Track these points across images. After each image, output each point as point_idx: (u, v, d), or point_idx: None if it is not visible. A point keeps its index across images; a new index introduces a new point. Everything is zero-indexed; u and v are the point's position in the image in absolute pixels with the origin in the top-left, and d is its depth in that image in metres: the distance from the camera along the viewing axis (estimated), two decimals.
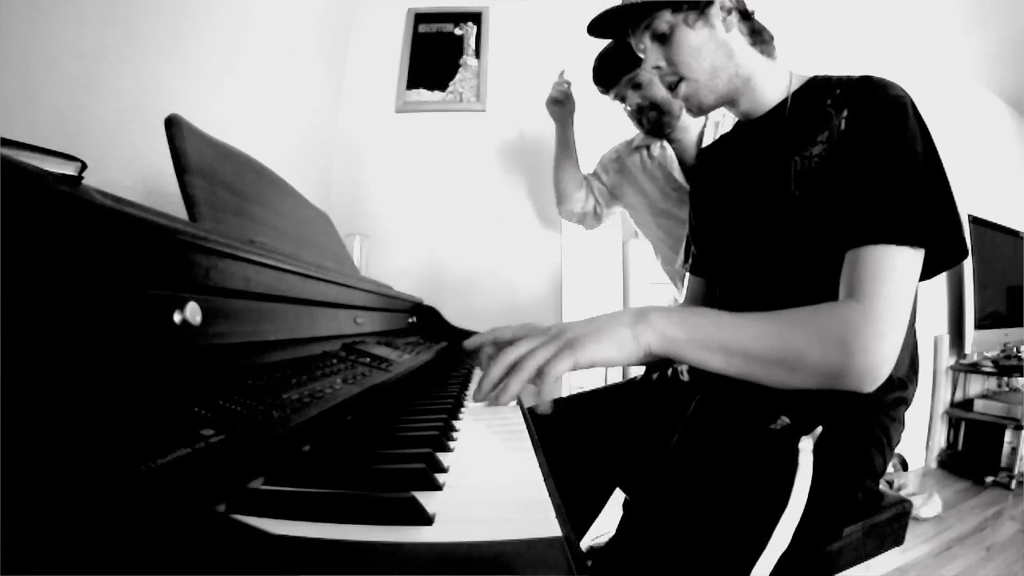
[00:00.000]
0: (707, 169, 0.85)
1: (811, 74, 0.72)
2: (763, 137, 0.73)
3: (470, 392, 0.72)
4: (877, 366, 0.53)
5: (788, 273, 0.67)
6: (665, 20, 0.70)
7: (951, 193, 0.58)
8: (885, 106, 0.61)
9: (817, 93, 0.68)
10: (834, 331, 0.53)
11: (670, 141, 1.31)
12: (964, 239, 0.58)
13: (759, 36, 0.73)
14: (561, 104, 1.41)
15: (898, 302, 0.53)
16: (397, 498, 0.28)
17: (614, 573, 0.54)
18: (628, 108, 1.26)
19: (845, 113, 0.63)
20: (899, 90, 0.62)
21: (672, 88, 0.73)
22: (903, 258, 0.55)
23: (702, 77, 0.71)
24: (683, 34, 0.70)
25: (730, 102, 0.74)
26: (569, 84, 1.40)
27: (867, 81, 0.64)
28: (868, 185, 0.58)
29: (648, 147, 1.37)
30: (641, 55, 0.75)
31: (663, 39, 0.71)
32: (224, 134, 0.72)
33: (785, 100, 0.71)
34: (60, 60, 0.74)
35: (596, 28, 0.76)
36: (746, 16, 0.73)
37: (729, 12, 0.70)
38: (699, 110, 0.75)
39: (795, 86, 0.71)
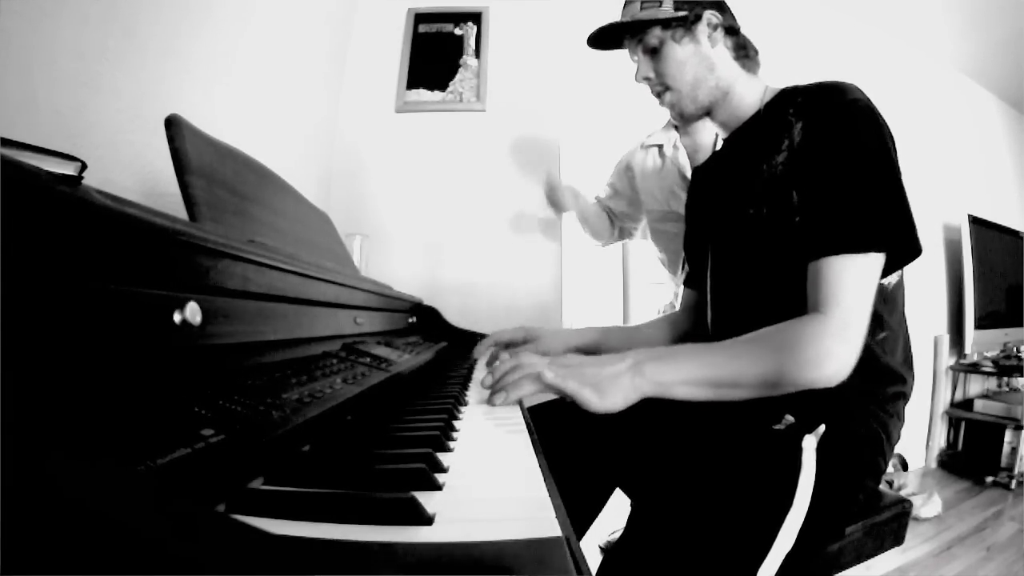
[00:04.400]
0: (698, 186, 0.91)
1: (785, 85, 0.75)
2: (740, 148, 0.78)
3: (470, 392, 0.72)
4: (845, 365, 0.58)
5: (765, 280, 0.69)
6: (655, 35, 0.77)
7: (903, 194, 0.60)
8: (837, 113, 0.64)
9: (783, 103, 0.71)
10: (803, 346, 0.57)
11: (682, 133, 1.31)
12: (917, 239, 0.60)
13: (743, 51, 0.78)
14: (557, 205, 1.48)
15: (859, 308, 0.58)
16: (397, 498, 0.28)
17: (622, 574, 0.55)
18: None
19: (800, 123, 0.67)
20: (854, 95, 0.64)
21: (659, 96, 0.80)
22: (860, 265, 0.58)
23: (684, 88, 0.77)
24: (670, 48, 0.76)
25: (709, 113, 0.80)
26: (555, 188, 1.46)
27: (823, 88, 0.67)
28: (822, 196, 0.62)
29: (660, 146, 1.36)
30: (634, 62, 0.81)
31: (653, 52, 0.78)
32: (224, 134, 0.72)
33: (759, 112, 0.76)
34: (60, 60, 0.74)
35: (594, 41, 0.83)
36: (732, 32, 0.78)
37: (715, 29, 0.76)
38: (681, 118, 0.81)
39: (768, 98, 0.76)
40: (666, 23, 0.75)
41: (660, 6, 0.76)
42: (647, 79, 0.79)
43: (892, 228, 0.59)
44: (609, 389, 0.58)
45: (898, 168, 0.61)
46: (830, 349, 0.56)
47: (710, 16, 0.75)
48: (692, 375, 0.59)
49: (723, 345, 0.62)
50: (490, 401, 0.60)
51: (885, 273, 0.61)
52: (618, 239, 1.59)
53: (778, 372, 0.58)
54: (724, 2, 0.79)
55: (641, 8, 0.77)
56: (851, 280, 0.58)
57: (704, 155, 1.27)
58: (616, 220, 1.54)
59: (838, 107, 0.64)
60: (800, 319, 0.60)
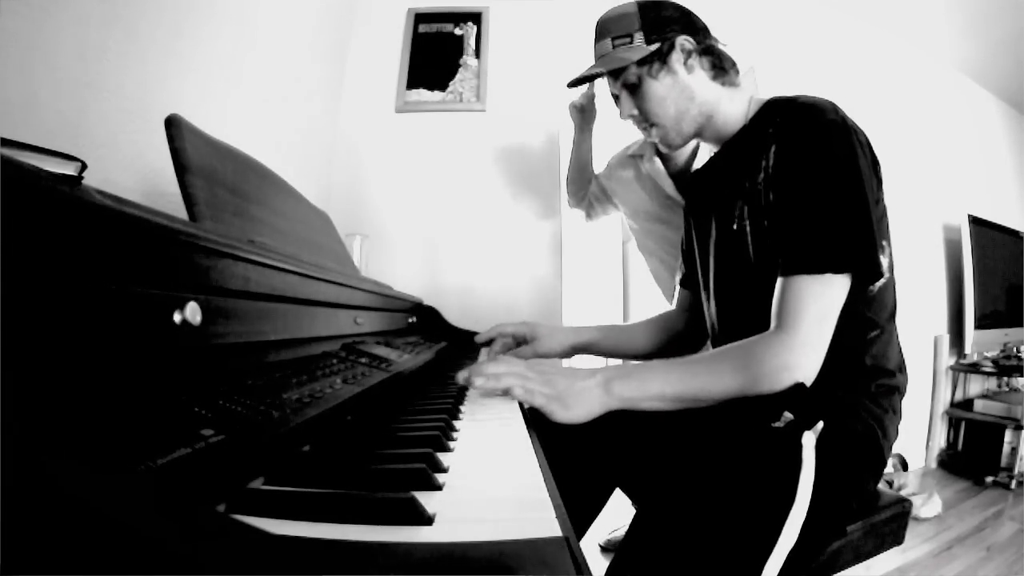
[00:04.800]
0: (694, 192, 0.92)
1: (769, 97, 0.76)
2: (728, 162, 0.79)
3: (470, 392, 0.72)
4: (805, 378, 0.60)
5: (757, 292, 0.70)
6: (632, 73, 0.77)
7: (867, 217, 0.62)
8: (808, 135, 0.65)
9: (766, 118, 0.72)
10: (761, 362, 0.60)
11: (658, 153, 1.33)
12: (878, 262, 0.61)
13: (720, 69, 0.78)
14: (583, 112, 1.43)
15: (819, 325, 0.60)
16: (397, 498, 0.28)
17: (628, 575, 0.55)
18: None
19: (775, 145, 0.68)
20: (830, 115, 0.65)
21: (645, 131, 0.82)
22: (821, 285, 0.61)
23: (669, 123, 0.78)
24: (649, 85, 0.77)
25: (698, 135, 0.81)
26: (595, 96, 1.42)
27: (800, 107, 0.68)
28: (789, 217, 0.64)
29: (642, 156, 1.39)
30: (615, 93, 0.82)
31: (633, 89, 0.79)
32: (224, 134, 0.72)
33: (745, 125, 0.76)
34: (61, 60, 0.74)
35: (575, 82, 0.85)
36: (707, 51, 0.78)
37: (689, 55, 0.76)
38: (669, 148, 0.83)
39: (753, 111, 0.76)
40: (640, 60, 0.75)
41: (631, 42, 0.76)
42: (632, 116, 0.81)
43: (853, 252, 0.61)
44: (574, 402, 0.60)
45: (865, 191, 0.62)
46: (789, 363, 0.59)
47: (683, 42, 0.75)
48: (657, 391, 0.62)
49: (687, 362, 0.65)
50: (470, 382, 0.60)
51: (853, 290, 0.62)
52: (583, 210, 1.57)
53: (740, 387, 0.61)
54: (693, 19, 0.78)
55: (613, 46, 0.77)
56: (812, 300, 0.60)
57: (681, 160, 1.31)
58: (590, 196, 1.54)
59: (810, 129, 0.65)
60: (763, 336, 0.62)
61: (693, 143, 1.28)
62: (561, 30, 1.84)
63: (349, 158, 1.78)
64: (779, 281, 0.63)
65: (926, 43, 2.54)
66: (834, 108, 0.66)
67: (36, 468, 0.17)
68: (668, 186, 1.32)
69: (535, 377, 0.62)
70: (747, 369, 0.60)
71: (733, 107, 0.77)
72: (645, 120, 0.80)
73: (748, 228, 0.71)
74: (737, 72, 0.80)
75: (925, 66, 2.63)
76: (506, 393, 0.60)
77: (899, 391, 0.70)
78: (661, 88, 0.76)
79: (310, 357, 0.58)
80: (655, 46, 0.75)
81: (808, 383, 0.60)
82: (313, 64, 1.60)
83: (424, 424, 0.50)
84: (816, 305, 0.60)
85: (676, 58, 0.75)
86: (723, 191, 0.78)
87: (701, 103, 0.77)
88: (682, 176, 1.31)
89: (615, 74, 0.79)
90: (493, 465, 0.41)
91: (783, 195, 0.66)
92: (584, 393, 0.61)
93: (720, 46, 0.79)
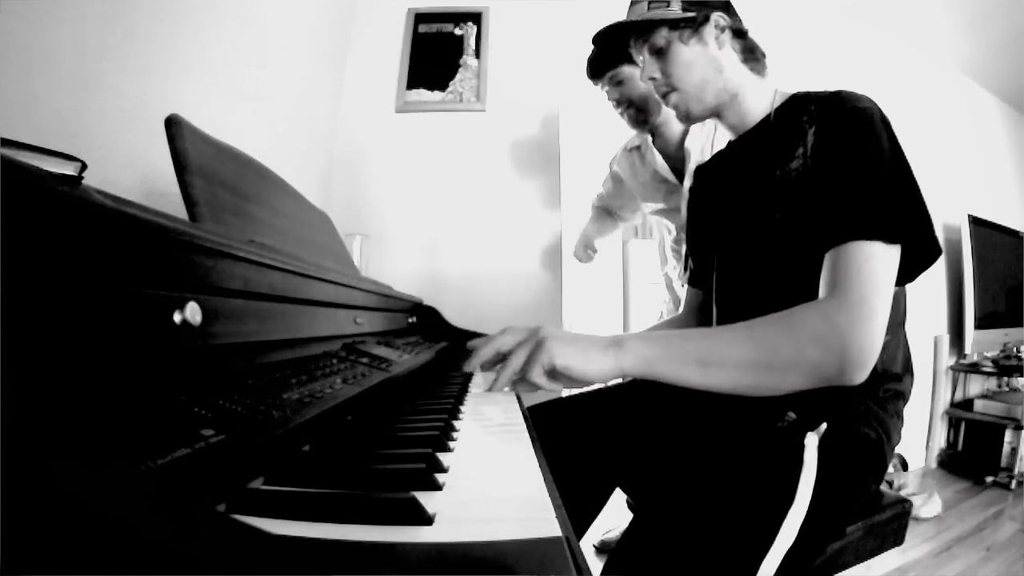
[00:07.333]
0: (702, 186, 0.90)
1: (794, 91, 0.76)
2: (750, 153, 0.78)
3: (470, 392, 0.72)
4: (860, 351, 0.53)
5: (774, 285, 0.69)
6: (662, 36, 0.76)
7: (919, 193, 0.60)
8: (851, 118, 0.64)
9: (796, 109, 0.72)
10: (808, 324, 0.54)
11: (653, 136, 1.34)
12: (935, 236, 0.60)
13: (751, 54, 0.78)
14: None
15: (875, 290, 0.55)
16: (397, 498, 0.28)
17: (624, 572, 0.55)
18: (611, 101, 1.31)
19: (813, 129, 0.67)
20: (866, 102, 0.65)
21: (664, 96, 0.79)
22: (876, 252, 0.57)
23: (691, 89, 0.76)
24: (677, 49, 0.75)
25: (717, 115, 0.79)
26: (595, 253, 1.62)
27: (836, 96, 0.68)
28: (838, 190, 0.61)
29: (639, 147, 1.40)
30: (640, 64, 0.80)
31: (660, 53, 0.77)
32: (224, 134, 0.72)
33: (768, 116, 0.75)
34: (60, 60, 0.74)
35: (600, 39, 0.82)
36: (740, 35, 0.78)
37: (723, 31, 0.76)
38: (687, 119, 0.80)
39: (778, 102, 0.76)
40: (674, 23, 0.75)
41: (668, 6, 0.75)
42: (653, 79, 0.79)
43: (910, 222, 0.59)
44: (573, 351, 0.56)
45: (913, 173, 0.61)
46: (843, 330, 0.53)
47: (717, 18, 0.75)
48: (677, 349, 0.57)
49: (719, 327, 0.63)
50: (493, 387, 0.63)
51: (906, 277, 0.60)
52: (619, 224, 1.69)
53: (775, 348, 0.55)
54: (731, 4, 0.79)
55: (649, 8, 0.76)
56: (868, 263, 0.56)
57: (673, 140, 1.33)
58: (614, 213, 1.63)
59: (851, 113, 0.64)
60: (811, 302, 0.57)
61: (680, 128, 1.30)
62: (561, 30, 1.84)
63: (349, 158, 1.78)
64: (827, 256, 0.59)
65: (926, 43, 2.54)
66: (871, 99, 0.66)
67: (36, 468, 0.17)
68: (661, 167, 1.33)
69: (521, 335, 0.61)
70: (790, 332, 0.55)
71: (758, 96, 0.77)
72: (667, 84, 0.78)
73: (778, 216, 0.70)
74: (766, 65, 0.79)
75: (925, 66, 2.63)
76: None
77: (904, 396, 0.70)
78: (689, 53, 0.75)
79: (310, 357, 0.58)
80: (691, 14, 0.74)
81: (870, 360, 0.54)
82: (313, 64, 1.60)
83: (424, 424, 0.50)
84: (875, 272, 0.55)
85: (709, 31, 0.75)
86: (746, 181, 0.77)
87: (728, 79, 0.76)
88: (672, 157, 1.33)
89: (644, 36, 0.77)
90: (493, 465, 0.41)
91: (827, 173, 0.63)
92: (590, 347, 0.57)
93: (752, 36, 0.79)
